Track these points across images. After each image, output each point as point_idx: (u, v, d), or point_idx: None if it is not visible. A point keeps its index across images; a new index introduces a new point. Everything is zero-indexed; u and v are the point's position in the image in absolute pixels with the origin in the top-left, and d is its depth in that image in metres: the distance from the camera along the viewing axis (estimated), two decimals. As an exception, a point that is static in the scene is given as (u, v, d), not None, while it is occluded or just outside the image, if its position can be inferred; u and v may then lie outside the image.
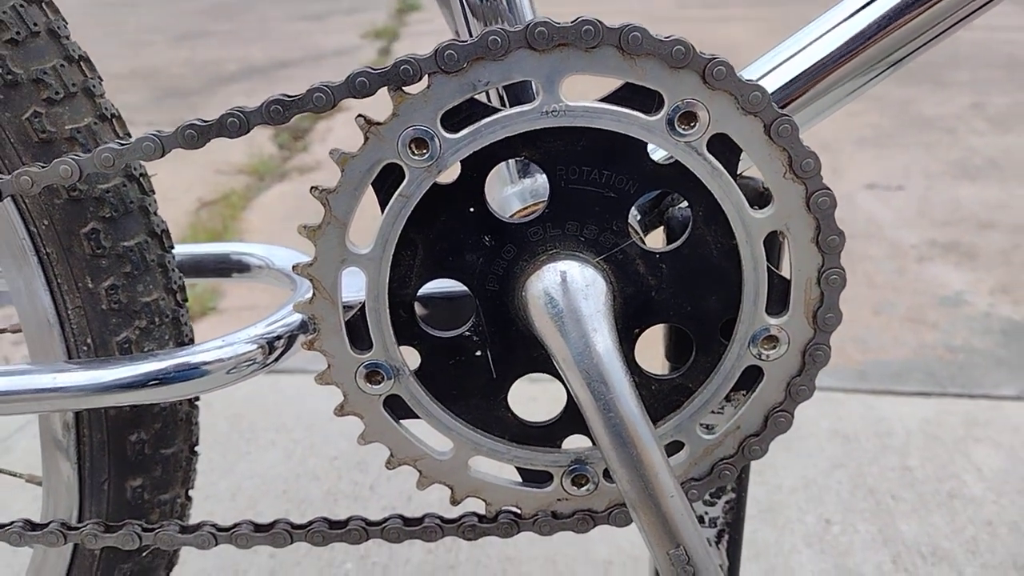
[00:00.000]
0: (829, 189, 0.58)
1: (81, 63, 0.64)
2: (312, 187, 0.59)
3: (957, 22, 0.65)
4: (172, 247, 0.69)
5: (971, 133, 3.23)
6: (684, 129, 0.57)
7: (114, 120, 0.66)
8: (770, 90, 0.64)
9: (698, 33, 5.06)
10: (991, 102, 3.62)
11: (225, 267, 0.79)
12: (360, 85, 0.56)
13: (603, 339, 0.59)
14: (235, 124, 0.57)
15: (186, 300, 0.71)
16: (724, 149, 0.57)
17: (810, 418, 1.57)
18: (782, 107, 0.64)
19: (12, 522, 0.66)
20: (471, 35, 0.67)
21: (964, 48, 4.61)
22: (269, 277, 0.77)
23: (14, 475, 0.77)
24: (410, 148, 0.57)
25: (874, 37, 0.63)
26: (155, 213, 0.68)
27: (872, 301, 2.02)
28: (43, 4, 0.63)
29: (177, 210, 2.59)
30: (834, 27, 0.65)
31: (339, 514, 1.31)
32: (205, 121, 0.57)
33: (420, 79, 0.56)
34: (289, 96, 0.57)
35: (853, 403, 1.63)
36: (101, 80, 0.66)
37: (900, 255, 2.26)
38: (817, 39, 0.65)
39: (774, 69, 0.65)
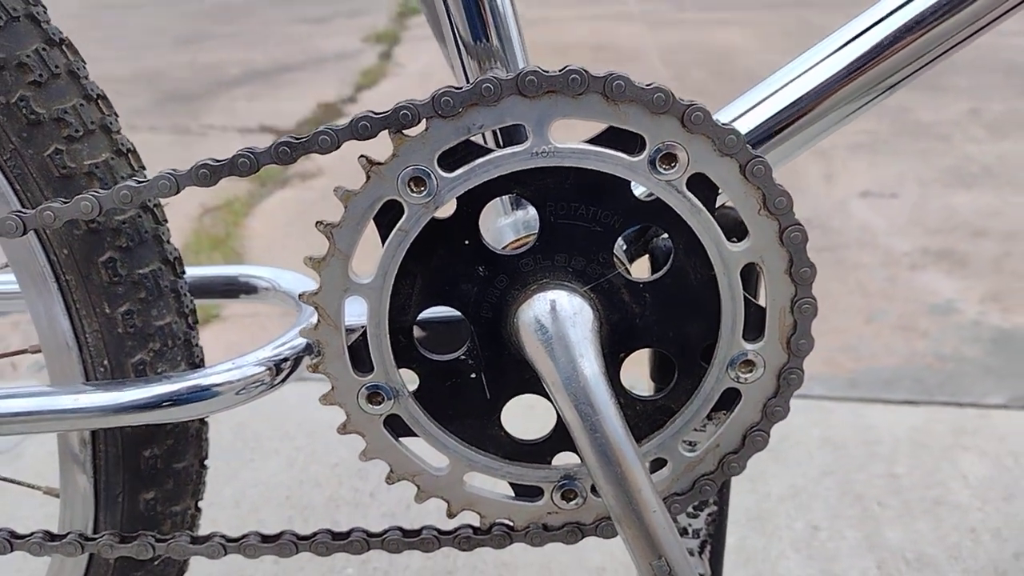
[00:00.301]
0: (801, 225, 0.62)
1: (99, 101, 0.68)
2: (317, 222, 0.63)
3: (925, 65, 0.69)
4: (184, 272, 0.73)
5: (967, 140, 3.26)
6: (665, 169, 0.60)
7: (129, 155, 0.69)
8: (747, 129, 0.68)
9: (697, 38, 5.11)
10: (988, 108, 3.65)
11: (233, 289, 0.83)
12: (363, 128, 0.60)
13: (589, 364, 0.63)
14: (246, 164, 0.61)
15: (197, 322, 0.75)
16: (702, 187, 0.61)
17: (800, 426, 1.61)
18: (759, 145, 0.68)
19: (32, 533, 0.70)
20: (465, 72, 0.71)
21: (963, 53, 4.64)
22: (275, 299, 0.81)
23: (32, 487, 0.80)
24: (409, 186, 0.61)
25: (843, 81, 0.67)
26: (168, 241, 0.71)
27: (864, 309, 2.06)
28: (63, 47, 0.67)
29: (180, 216, 2.63)
30: (807, 70, 0.69)
31: (340, 521, 1.36)
32: (218, 161, 0.61)
33: (418, 123, 0.60)
34: (296, 138, 0.61)
35: (843, 411, 1.67)
36: (117, 117, 0.70)
37: (893, 263, 2.30)
38: (791, 81, 0.69)
39: (751, 109, 0.69)
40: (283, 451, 1.50)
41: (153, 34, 5.36)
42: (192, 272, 0.81)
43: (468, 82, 0.71)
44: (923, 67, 0.70)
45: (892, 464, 1.51)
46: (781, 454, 1.53)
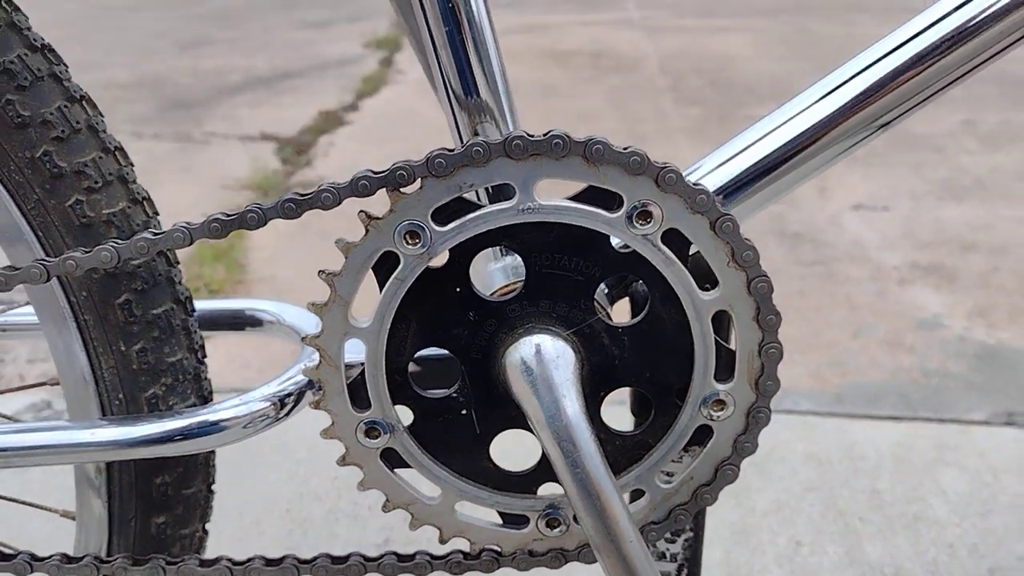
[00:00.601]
0: (767, 276, 0.67)
1: (116, 153, 0.73)
2: (319, 271, 0.67)
3: (895, 118, 0.74)
4: (194, 311, 0.78)
5: (961, 152, 3.31)
6: (641, 224, 0.65)
7: (144, 203, 0.74)
8: (723, 182, 0.73)
9: (695, 45, 5.15)
10: (983, 119, 3.69)
11: (240, 322, 0.88)
12: (362, 186, 0.65)
13: (571, 404, 0.67)
14: (254, 219, 0.66)
15: (205, 357, 0.80)
16: (676, 241, 0.66)
17: (786, 442, 1.66)
18: (736, 194, 0.73)
19: (51, 556, 0.75)
20: (456, 123, 0.75)
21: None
22: (280, 332, 0.86)
23: (50, 510, 0.85)
24: (405, 239, 0.65)
25: (813, 137, 0.72)
26: (180, 282, 0.76)
27: (852, 324, 2.11)
28: (83, 103, 0.72)
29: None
30: (779, 126, 0.73)
31: (339, 533, 1.40)
32: (228, 215, 0.66)
33: (414, 181, 0.65)
34: (301, 195, 0.66)
35: (828, 426, 1.71)
36: (133, 166, 0.75)
37: (883, 277, 2.35)
38: (763, 137, 0.74)
39: (727, 161, 0.74)
40: (284, 464, 1.55)
41: (155, 38, 5.40)
42: (201, 306, 0.86)
43: (458, 131, 0.75)
44: (890, 122, 0.75)
45: (875, 479, 1.56)
46: (766, 469, 1.58)
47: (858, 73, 0.73)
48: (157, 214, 0.76)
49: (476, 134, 0.74)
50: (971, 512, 1.48)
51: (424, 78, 0.77)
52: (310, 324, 0.84)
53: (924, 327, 2.09)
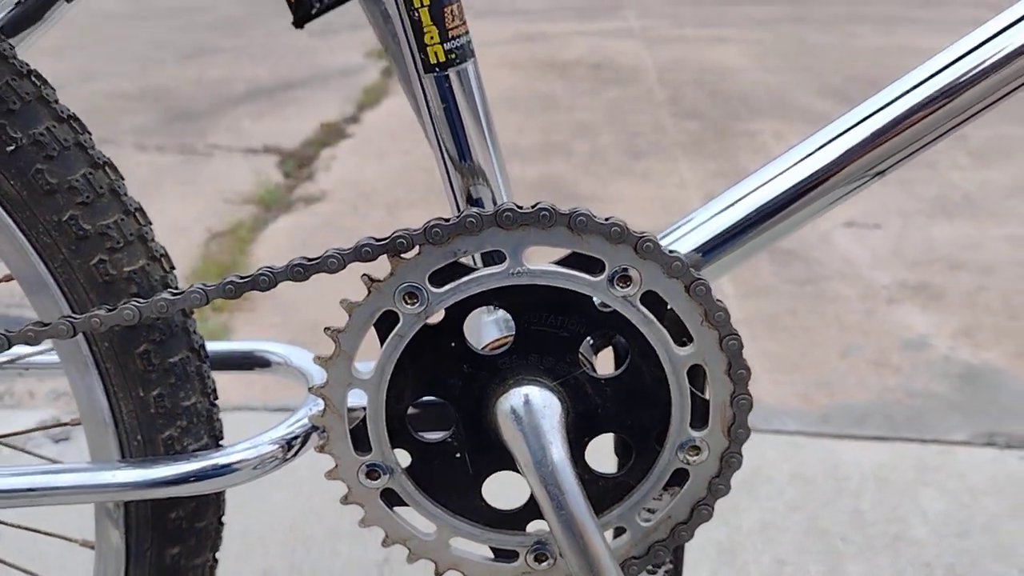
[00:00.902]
0: (737, 334, 0.73)
1: (136, 214, 0.78)
2: (325, 328, 0.73)
3: (866, 181, 0.79)
4: (207, 357, 0.84)
5: (952, 167, 3.36)
6: (621, 287, 0.71)
7: (162, 259, 0.80)
8: (701, 241, 0.78)
9: (694, 56, 5.20)
10: (975, 134, 3.74)
11: (249, 362, 0.94)
12: (365, 252, 0.71)
13: (557, 450, 0.73)
14: (265, 281, 0.71)
15: (217, 398, 0.85)
16: (654, 301, 0.72)
17: (773, 462, 1.71)
18: (714, 251, 0.79)
19: (74, 585, 0.80)
20: (451, 183, 0.81)
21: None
22: (287, 373, 0.92)
23: (69, 540, 0.91)
24: (404, 299, 0.71)
25: (792, 199, 0.77)
26: (195, 332, 0.82)
27: (841, 344, 2.17)
28: (105, 168, 0.77)
29: (189, 242, 2.74)
30: (758, 188, 0.79)
31: (340, 551, 1.46)
32: (242, 278, 0.72)
33: (413, 248, 0.70)
34: (309, 259, 0.71)
35: (815, 447, 1.77)
36: (151, 224, 0.80)
37: (872, 296, 2.40)
38: (744, 197, 0.79)
39: (709, 220, 0.79)
40: (288, 483, 1.61)
41: (159, 48, 5.46)
42: (212, 347, 0.92)
43: (453, 191, 0.81)
44: (870, 180, 0.80)
45: (857, 500, 1.61)
46: (753, 488, 1.64)
47: (832, 139, 0.78)
48: (173, 268, 0.82)
49: (470, 195, 0.80)
50: (949, 532, 1.53)
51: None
52: (315, 366, 0.89)
53: (911, 347, 2.15)
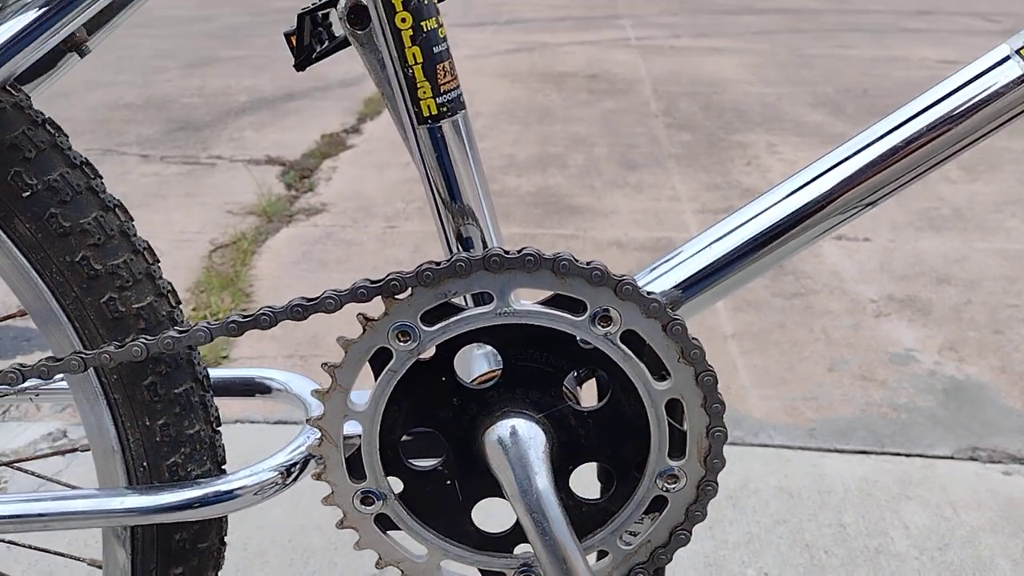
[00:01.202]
0: (712, 370, 0.77)
1: (144, 253, 0.83)
2: (323, 364, 0.77)
3: (835, 225, 0.84)
4: (211, 386, 0.88)
5: (942, 180, 3.41)
6: (602, 327, 0.75)
7: (168, 295, 0.84)
8: (683, 277, 0.83)
9: (690, 67, 5.25)
10: (964, 147, 3.79)
11: (250, 389, 0.98)
12: (361, 294, 0.75)
13: (542, 480, 0.78)
14: (266, 320, 0.75)
15: (220, 425, 0.90)
16: (634, 340, 0.76)
17: (760, 475, 1.75)
18: (694, 287, 0.83)
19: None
20: (442, 223, 0.85)
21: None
22: (287, 400, 0.96)
23: (78, 559, 0.95)
24: (397, 338, 0.75)
25: (770, 240, 0.81)
26: (198, 363, 0.86)
27: (828, 358, 2.21)
28: (116, 210, 0.82)
29: (192, 253, 2.78)
30: (733, 229, 0.83)
31: (338, 563, 1.50)
32: (244, 317, 0.76)
33: (406, 289, 0.75)
34: (308, 300, 0.76)
35: (800, 460, 1.81)
36: (159, 262, 0.85)
37: (859, 310, 2.45)
38: (724, 236, 0.83)
39: (687, 260, 0.83)
40: (287, 496, 1.65)
41: (163, 57, 5.51)
42: (215, 373, 0.96)
43: (444, 231, 0.85)
44: (848, 219, 0.84)
45: (841, 513, 1.66)
46: (740, 502, 1.68)
47: (806, 183, 0.82)
48: (179, 303, 0.86)
49: (460, 236, 0.84)
50: (930, 546, 1.58)
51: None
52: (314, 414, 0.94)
53: (896, 361, 2.19)
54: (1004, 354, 2.23)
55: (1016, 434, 1.91)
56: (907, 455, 1.84)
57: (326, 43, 1.01)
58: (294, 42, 1.00)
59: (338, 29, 1.00)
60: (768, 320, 2.37)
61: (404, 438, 0.80)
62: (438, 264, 0.74)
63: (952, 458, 1.83)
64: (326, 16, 0.98)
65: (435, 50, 0.77)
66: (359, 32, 0.88)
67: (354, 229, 2.97)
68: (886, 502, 1.69)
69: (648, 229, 2.98)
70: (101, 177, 0.82)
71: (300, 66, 1.00)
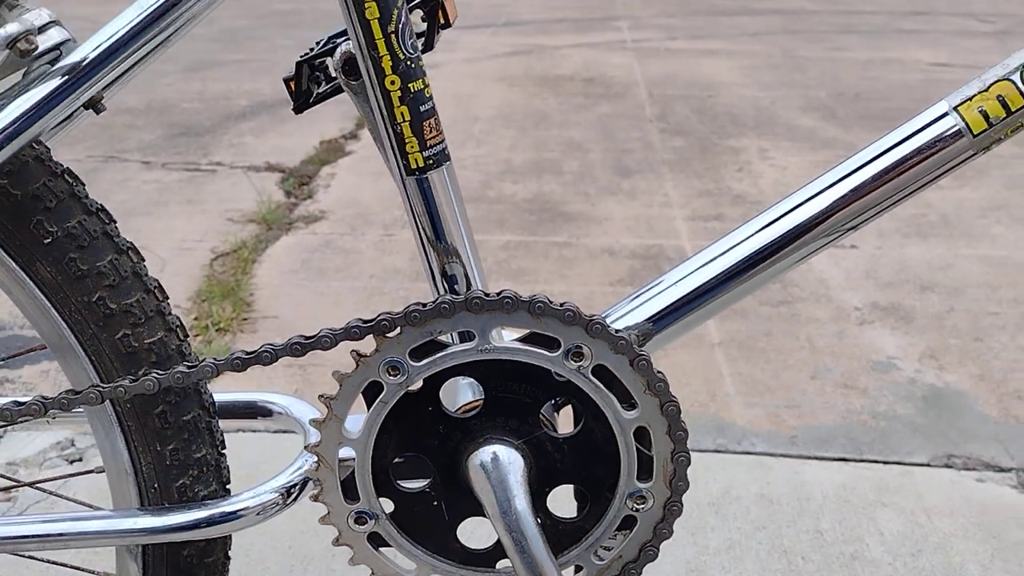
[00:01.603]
0: (675, 400, 0.84)
1: (155, 292, 0.90)
2: (320, 395, 0.84)
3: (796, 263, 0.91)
4: (216, 412, 0.95)
5: (931, 187, 3.47)
6: (575, 362, 0.82)
7: (178, 330, 0.91)
8: (650, 313, 0.89)
9: (685, 70, 5.32)
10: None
11: (252, 412, 1.05)
12: (354, 332, 0.82)
13: (520, 502, 0.85)
14: (268, 356, 0.82)
15: (225, 448, 0.97)
16: (604, 373, 0.83)
17: (742, 482, 1.82)
18: (663, 319, 0.90)
19: (99, 613, 0.92)
20: (429, 263, 0.92)
21: (938, 89, 4.86)
22: (288, 424, 1.03)
23: (92, 572, 1.02)
24: (387, 372, 0.83)
25: (735, 276, 0.88)
26: (205, 392, 0.93)
27: (811, 366, 2.28)
28: (129, 253, 0.88)
29: (194, 262, 2.85)
30: (702, 265, 0.90)
31: (336, 569, 1.57)
32: (248, 353, 0.83)
33: (395, 328, 0.82)
34: (306, 338, 0.83)
35: (782, 468, 1.88)
36: (168, 299, 0.92)
37: (843, 318, 2.52)
38: (693, 272, 0.90)
39: (655, 296, 0.90)
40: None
41: (163, 60, 5.54)
42: (220, 398, 1.03)
43: (430, 268, 0.92)
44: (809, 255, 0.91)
45: (819, 520, 1.73)
46: (722, 508, 1.75)
47: (759, 229, 0.89)
48: (187, 337, 0.93)
49: (446, 274, 0.91)
50: (904, 552, 1.65)
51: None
52: (312, 415, 1.01)
53: (878, 369, 2.26)
54: (983, 362, 2.30)
55: (991, 441, 1.98)
56: (885, 462, 1.90)
57: (323, 87, 1.08)
58: (292, 87, 1.07)
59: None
60: (755, 328, 2.44)
61: (395, 462, 0.88)
62: (424, 306, 0.81)
63: (928, 465, 1.90)
64: (323, 63, 1.04)
65: (422, 109, 0.84)
66: (353, 82, 0.95)
67: (352, 237, 3.04)
68: (863, 509, 1.76)
69: (640, 236, 3.05)
70: (115, 222, 0.89)
71: (298, 109, 1.07)
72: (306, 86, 1.07)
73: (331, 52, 1.04)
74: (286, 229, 3.12)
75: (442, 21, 1.05)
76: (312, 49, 1.07)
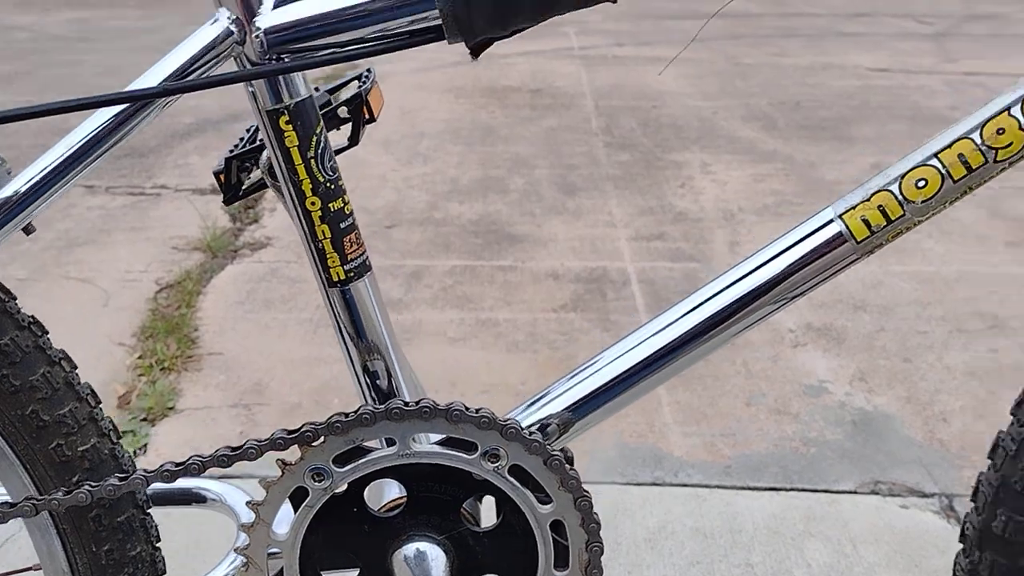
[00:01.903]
0: (588, 495, 0.89)
1: (88, 399, 0.93)
2: (247, 502, 0.88)
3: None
4: (151, 508, 0.98)
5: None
6: (492, 463, 0.87)
7: (110, 434, 0.94)
8: (570, 403, 0.94)
9: (631, 79, 5.38)
10: (889, 162, 3.96)
11: (187, 498, 1.08)
12: (279, 443, 0.86)
13: (444, 595, 0.89)
14: (196, 467, 0.86)
15: (159, 541, 1.00)
16: (520, 472, 0.88)
17: (677, 516, 1.89)
18: (579, 408, 0.95)
19: None
20: (352, 362, 0.96)
21: (871, 96, 4.98)
22: (222, 509, 1.07)
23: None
24: (312, 478, 0.87)
25: (651, 364, 0.93)
26: (140, 492, 0.97)
27: (746, 391, 2.35)
28: (61, 363, 0.91)
29: (138, 294, 2.85)
30: (620, 355, 0.94)
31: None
32: (177, 464, 0.86)
33: (320, 438, 0.86)
34: (233, 449, 0.86)
35: (715, 499, 1.95)
36: (100, 404, 0.95)
37: (778, 341, 2.60)
38: (613, 360, 0.94)
39: (574, 387, 0.95)
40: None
41: (108, 74, 5.51)
42: (156, 486, 1.06)
43: (352, 365, 0.96)
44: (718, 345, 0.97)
45: (750, 552, 1.80)
46: (657, 544, 1.81)
47: (663, 328, 0.94)
48: (120, 439, 0.96)
49: (367, 368, 0.95)
50: (828, 582, 1.73)
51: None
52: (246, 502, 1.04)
53: (810, 393, 2.34)
54: (911, 383, 2.39)
55: (915, 465, 2.07)
56: (813, 491, 1.98)
57: (252, 179, 1.11)
58: (222, 179, 1.10)
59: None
60: (693, 354, 2.50)
61: (322, 559, 0.92)
62: (347, 416, 0.85)
63: (855, 492, 1.98)
64: (252, 159, 1.08)
65: (342, 226, 0.88)
66: (278, 183, 0.98)
67: (298, 265, 3.05)
68: (791, 540, 1.83)
69: (584, 259, 3.10)
70: (47, 333, 0.92)
71: (228, 201, 1.10)
72: (235, 179, 1.10)
73: (259, 149, 1.07)
74: (231, 257, 3.13)
75: (367, 116, 1.09)
76: (239, 143, 1.11)
